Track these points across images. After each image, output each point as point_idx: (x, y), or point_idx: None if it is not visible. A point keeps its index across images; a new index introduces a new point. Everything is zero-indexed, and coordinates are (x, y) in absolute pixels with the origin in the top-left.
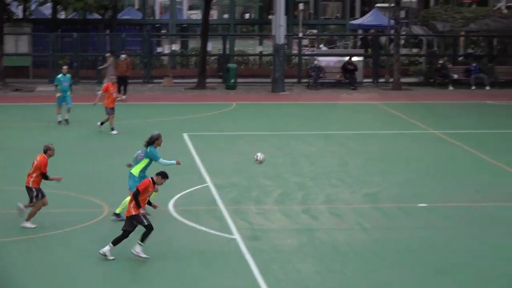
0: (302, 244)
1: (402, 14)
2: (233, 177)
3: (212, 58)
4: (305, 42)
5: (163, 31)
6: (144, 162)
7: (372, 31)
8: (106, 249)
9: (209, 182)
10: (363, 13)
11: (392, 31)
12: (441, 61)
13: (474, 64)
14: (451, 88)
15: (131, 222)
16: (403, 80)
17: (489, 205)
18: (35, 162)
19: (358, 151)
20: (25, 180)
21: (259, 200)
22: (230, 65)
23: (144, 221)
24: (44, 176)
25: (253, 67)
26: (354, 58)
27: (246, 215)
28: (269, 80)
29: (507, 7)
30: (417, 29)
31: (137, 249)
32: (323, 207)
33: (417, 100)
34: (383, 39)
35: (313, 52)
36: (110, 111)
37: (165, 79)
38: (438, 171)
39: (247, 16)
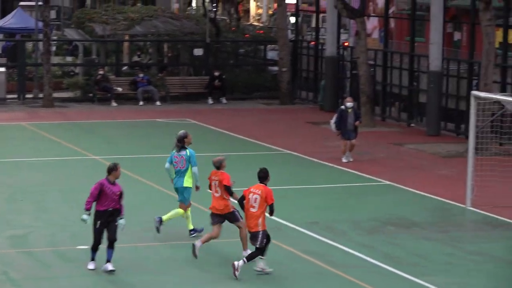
0: None
1: (53, 14)
2: None
3: None
4: None
5: None
6: (189, 169)
7: (19, 36)
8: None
9: None
10: (3, 13)
11: (40, 36)
12: (101, 72)
13: (141, 75)
14: (114, 104)
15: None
16: (56, 95)
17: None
18: None
19: (0, 184)
20: None
21: None
22: None
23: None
24: None
25: None
26: None
27: None
28: None
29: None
30: (71, 33)
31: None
32: None
33: (74, 119)
34: (29, 46)
35: None
36: None
37: None
38: None
39: None
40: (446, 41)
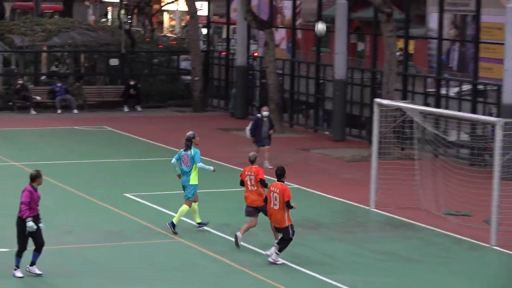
0: None
1: None
2: None
3: None
4: None
5: None
6: (195, 167)
7: None
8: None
9: None
10: None
11: None
12: (20, 82)
13: (59, 85)
14: (33, 112)
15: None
16: None
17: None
18: None
19: None
20: None
21: None
22: None
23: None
24: None
25: None
26: None
27: None
28: None
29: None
30: None
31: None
32: None
33: None
34: None
35: None
36: None
37: None
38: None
39: None
40: (350, 51)
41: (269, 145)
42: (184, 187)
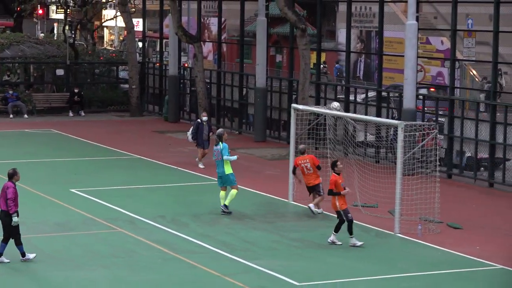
0: None
1: None
2: None
3: None
4: None
5: None
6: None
7: None
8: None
9: None
10: None
11: None
12: None
13: (11, 92)
14: None
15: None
16: None
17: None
18: None
19: None
20: None
21: None
22: None
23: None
24: None
25: None
26: None
27: None
28: None
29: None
30: None
31: (353, 241)
32: None
33: None
34: None
35: None
36: None
37: None
38: None
39: None
40: (269, 62)
41: (208, 148)
42: (220, 177)
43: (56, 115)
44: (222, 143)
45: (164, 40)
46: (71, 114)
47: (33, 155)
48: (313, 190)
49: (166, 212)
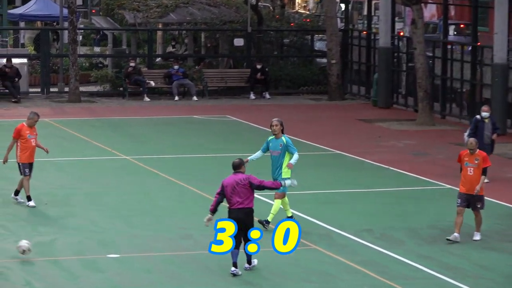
0: None
1: (79, 1)
2: None
3: None
4: None
5: None
6: (287, 158)
7: (39, 23)
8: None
9: None
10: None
11: (66, 24)
12: (132, 64)
13: (176, 67)
14: (147, 99)
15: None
16: (83, 89)
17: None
18: None
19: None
20: None
21: None
22: None
23: None
24: None
25: None
26: (16, 60)
27: None
28: None
29: None
30: (99, 21)
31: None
32: None
33: (102, 115)
34: (54, 35)
35: None
36: None
37: None
38: (134, 210)
39: None
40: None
41: (491, 153)
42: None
43: (233, 97)
44: (285, 136)
45: (373, 2)
46: (252, 96)
47: (202, 148)
48: None
49: (374, 225)
